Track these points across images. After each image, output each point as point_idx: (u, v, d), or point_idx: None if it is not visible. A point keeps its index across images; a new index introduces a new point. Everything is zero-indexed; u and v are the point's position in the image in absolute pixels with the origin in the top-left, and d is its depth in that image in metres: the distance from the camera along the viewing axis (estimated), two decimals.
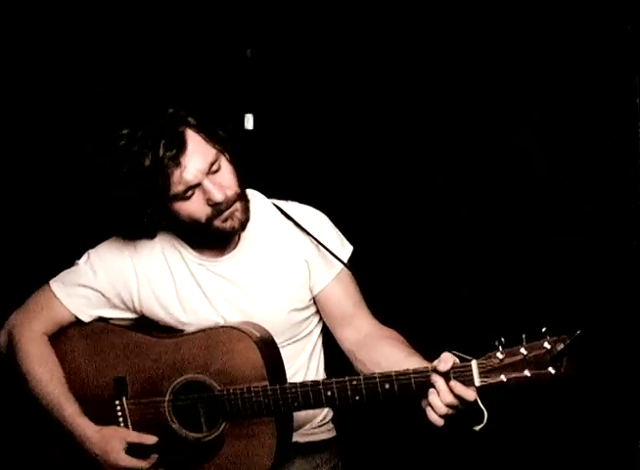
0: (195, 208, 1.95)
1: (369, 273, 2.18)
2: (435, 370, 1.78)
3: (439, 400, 1.77)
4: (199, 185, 1.93)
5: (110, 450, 2.01)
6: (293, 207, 2.15)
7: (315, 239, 2.08)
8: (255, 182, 2.22)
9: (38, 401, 2.07)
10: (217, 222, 1.97)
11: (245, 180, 2.04)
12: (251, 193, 2.14)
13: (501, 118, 2.74)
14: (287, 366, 2.07)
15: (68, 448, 2.10)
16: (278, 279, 2.09)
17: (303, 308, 2.13)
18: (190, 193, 1.94)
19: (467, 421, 1.79)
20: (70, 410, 2.04)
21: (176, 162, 1.89)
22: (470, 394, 1.76)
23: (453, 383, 1.77)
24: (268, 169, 2.85)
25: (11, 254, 2.82)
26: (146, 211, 1.98)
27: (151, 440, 2.02)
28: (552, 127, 2.68)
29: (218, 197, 1.93)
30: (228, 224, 1.99)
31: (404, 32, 2.82)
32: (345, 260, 2.12)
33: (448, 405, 1.77)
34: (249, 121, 2.98)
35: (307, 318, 2.15)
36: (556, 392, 2.41)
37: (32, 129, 2.86)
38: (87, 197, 2.12)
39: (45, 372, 2.07)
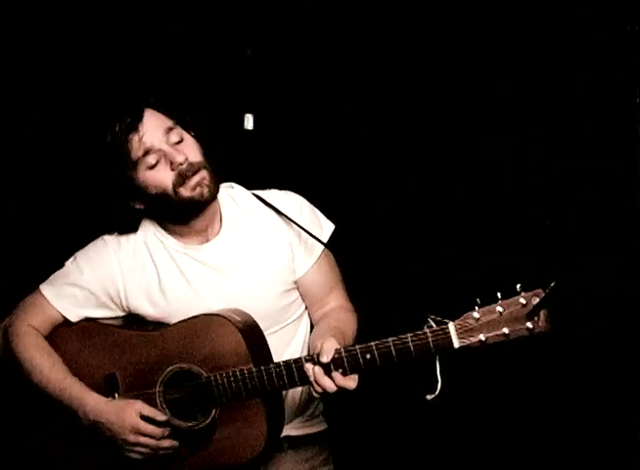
0: (160, 175, 2.02)
1: (348, 242, 2.21)
2: (312, 359, 1.87)
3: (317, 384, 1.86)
4: (161, 151, 2.02)
5: (125, 417, 2.02)
6: (273, 194, 2.18)
7: (296, 224, 2.10)
8: (256, 182, 2.22)
9: (42, 390, 2.09)
10: (185, 191, 2.03)
11: (216, 160, 2.10)
12: (229, 185, 2.20)
13: (500, 118, 2.74)
14: (280, 353, 2.10)
15: (68, 446, 2.13)
16: (262, 264, 2.12)
17: (288, 291, 2.16)
18: (154, 160, 2.02)
19: (419, 390, 1.80)
20: (77, 389, 2.07)
21: (133, 129, 2.00)
22: (350, 384, 1.85)
23: (335, 374, 1.85)
24: (268, 169, 2.86)
25: (4, 260, 2.83)
26: (120, 192, 2.06)
27: (162, 417, 2.03)
28: (552, 127, 2.69)
29: (179, 158, 2.01)
30: (197, 192, 2.04)
31: (404, 32, 2.82)
32: (325, 240, 2.16)
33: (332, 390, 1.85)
34: (249, 121, 2.98)
35: (294, 302, 2.19)
36: (554, 379, 2.44)
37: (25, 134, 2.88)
38: (70, 189, 2.18)
39: (45, 359, 2.11)
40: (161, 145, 2.02)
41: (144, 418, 2.02)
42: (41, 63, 2.86)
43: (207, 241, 2.13)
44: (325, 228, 2.19)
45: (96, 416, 2.04)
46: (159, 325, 2.13)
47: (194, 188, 2.02)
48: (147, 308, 2.14)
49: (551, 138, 2.69)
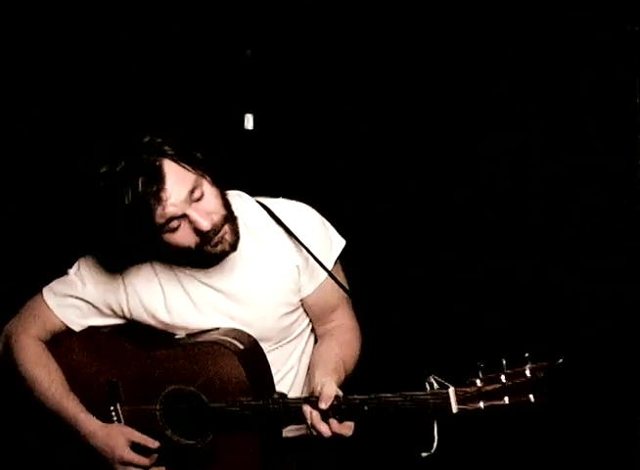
0: (183, 238, 1.94)
1: (360, 278, 2.20)
2: (310, 401, 1.87)
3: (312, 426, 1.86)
4: (184, 215, 1.91)
5: (114, 446, 2.03)
6: (283, 207, 2.12)
7: (306, 248, 2.06)
8: (256, 183, 2.22)
9: (41, 403, 2.09)
10: (208, 248, 1.96)
11: (228, 188, 2.04)
12: (237, 194, 2.13)
13: (500, 118, 2.74)
14: (278, 367, 2.10)
15: (68, 446, 2.13)
16: (268, 287, 2.08)
17: (293, 311, 2.14)
18: (176, 224, 1.91)
19: (415, 446, 1.80)
20: (73, 409, 2.06)
21: (157, 197, 1.86)
22: (346, 431, 1.85)
23: (332, 420, 1.85)
24: (268, 169, 2.85)
25: (5, 259, 2.83)
26: (136, 245, 1.96)
27: (154, 444, 2.04)
28: (552, 127, 2.68)
29: (205, 225, 1.91)
30: (219, 248, 1.98)
31: (404, 32, 2.81)
32: (335, 258, 2.13)
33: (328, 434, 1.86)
34: (249, 121, 2.98)
35: (297, 320, 2.17)
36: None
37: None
38: (78, 231, 2.10)
39: (45, 374, 2.09)
40: (185, 210, 1.90)
41: (134, 445, 2.03)
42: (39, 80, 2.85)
43: (214, 264, 2.07)
44: (335, 245, 2.14)
45: (88, 441, 2.05)
46: (163, 335, 2.13)
47: (216, 245, 1.96)
48: (150, 321, 2.13)
49: (551, 138, 2.68)
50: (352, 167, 2.91)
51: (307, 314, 2.20)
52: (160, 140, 1.92)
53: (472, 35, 2.74)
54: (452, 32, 2.77)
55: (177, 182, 1.89)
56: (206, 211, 1.92)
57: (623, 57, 2.54)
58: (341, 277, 2.17)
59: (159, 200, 1.86)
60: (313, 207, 2.19)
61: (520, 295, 2.70)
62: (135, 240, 1.93)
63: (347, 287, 2.18)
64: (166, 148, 1.92)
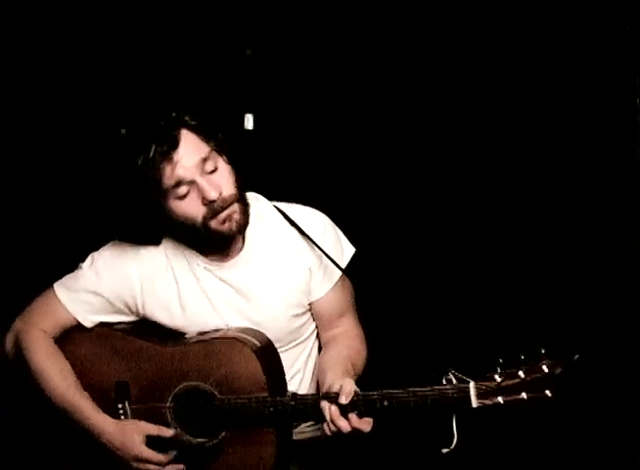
0: (190, 207, 1.94)
1: (368, 278, 2.19)
2: (329, 397, 1.87)
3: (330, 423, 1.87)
4: (193, 183, 1.92)
5: (130, 444, 2.01)
6: (297, 211, 2.14)
7: (320, 249, 2.08)
8: (256, 183, 2.22)
9: (52, 401, 2.07)
10: (214, 223, 1.96)
11: (245, 184, 2.04)
12: (254, 196, 2.14)
13: (500, 118, 2.74)
14: (286, 369, 2.09)
15: (68, 446, 2.12)
16: (281, 286, 2.09)
17: (303, 313, 2.15)
18: (185, 190, 1.93)
19: (436, 442, 1.81)
20: (86, 407, 2.05)
21: (168, 158, 1.90)
22: (365, 427, 1.85)
23: (351, 415, 1.85)
24: (268, 170, 2.85)
25: (15, 253, 2.82)
26: (145, 213, 1.97)
27: (168, 432, 2.02)
28: (552, 127, 2.68)
29: (212, 195, 1.92)
30: (226, 226, 1.97)
31: (404, 32, 2.81)
32: (344, 265, 2.15)
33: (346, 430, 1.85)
34: (249, 121, 2.98)
35: (306, 323, 2.18)
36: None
37: (35, 130, 2.87)
38: (91, 199, 2.11)
39: (56, 370, 2.08)
40: (195, 176, 1.92)
41: (150, 438, 2.01)
42: (55, 70, 2.86)
43: (229, 258, 2.08)
44: (345, 252, 2.16)
45: (100, 438, 2.03)
46: (174, 334, 2.12)
47: (223, 222, 1.96)
48: (164, 319, 2.12)
49: (551, 138, 2.68)
50: (352, 168, 2.91)
51: (314, 319, 2.21)
52: (183, 113, 1.98)
53: (472, 35, 2.75)
54: (452, 32, 2.77)
55: (190, 148, 1.93)
56: (217, 184, 1.94)
57: (623, 57, 2.55)
58: (348, 284, 2.19)
59: (169, 160, 1.90)
60: (313, 206, 2.20)
61: (519, 295, 2.70)
62: (145, 205, 1.94)
63: (354, 295, 2.20)
64: (187, 118, 1.97)
